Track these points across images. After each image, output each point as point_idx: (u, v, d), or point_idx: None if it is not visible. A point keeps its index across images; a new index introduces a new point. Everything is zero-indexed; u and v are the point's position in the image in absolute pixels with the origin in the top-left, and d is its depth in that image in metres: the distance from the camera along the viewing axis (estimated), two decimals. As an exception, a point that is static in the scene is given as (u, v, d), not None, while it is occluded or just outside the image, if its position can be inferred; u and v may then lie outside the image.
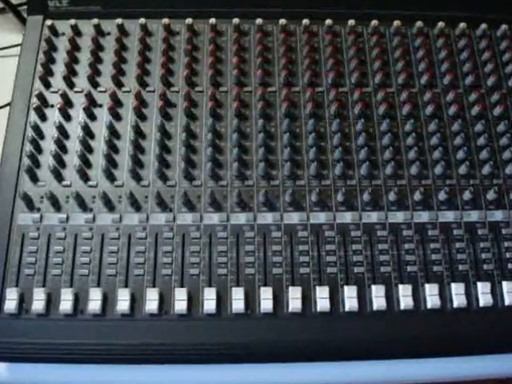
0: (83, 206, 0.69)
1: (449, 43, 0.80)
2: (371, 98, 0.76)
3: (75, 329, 0.63)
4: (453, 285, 0.65)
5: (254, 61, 0.78)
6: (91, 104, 0.74)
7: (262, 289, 0.65)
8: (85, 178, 0.70)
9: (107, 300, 0.64)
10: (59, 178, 0.70)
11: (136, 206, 0.69)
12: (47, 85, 0.76)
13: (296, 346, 0.64)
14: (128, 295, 0.64)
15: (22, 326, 0.63)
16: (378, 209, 0.70)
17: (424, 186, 0.71)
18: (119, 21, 0.79)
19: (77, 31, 0.79)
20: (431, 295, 0.65)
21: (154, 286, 0.65)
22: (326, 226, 0.68)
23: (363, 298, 0.65)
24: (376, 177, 0.71)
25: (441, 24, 0.80)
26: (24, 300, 0.64)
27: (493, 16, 0.82)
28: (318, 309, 0.64)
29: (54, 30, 0.79)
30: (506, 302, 0.65)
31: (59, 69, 0.77)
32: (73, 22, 0.79)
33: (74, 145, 0.72)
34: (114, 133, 0.73)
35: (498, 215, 0.70)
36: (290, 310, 0.64)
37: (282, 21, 0.79)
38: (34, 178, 0.70)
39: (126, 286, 0.65)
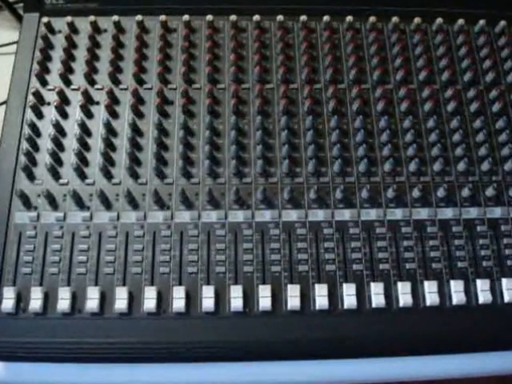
0: (80, 204, 0.68)
1: (447, 39, 0.79)
2: (369, 95, 0.76)
3: (73, 328, 0.63)
4: (452, 282, 0.65)
5: (251, 58, 0.78)
6: (88, 101, 0.74)
7: (261, 287, 0.65)
8: (82, 176, 0.70)
9: (105, 299, 0.64)
10: (56, 176, 0.70)
11: (133, 204, 0.69)
12: (44, 82, 0.76)
13: (295, 343, 0.63)
14: (126, 294, 0.64)
15: (20, 326, 0.63)
16: (376, 206, 0.69)
17: (423, 182, 0.71)
18: (116, 18, 0.79)
19: (73, 28, 0.79)
20: (430, 292, 0.65)
21: (152, 285, 0.65)
22: (324, 224, 0.68)
23: (362, 295, 0.65)
24: (374, 174, 0.71)
25: (439, 20, 0.80)
26: (21, 299, 0.64)
27: (491, 12, 0.81)
28: (317, 307, 0.64)
29: (50, 28, 0.79)
30: (506, 299, 0.65)
31: (56, 66, 0.76)
32: (69, 19, 0.78)
33: (70, 143, 0.72)
34: (110, 130, 0.73)
35: (497, 212, 0.69)
36: (288, 308, 0.64)
37: (280, 17, 0.79)
38: (31, 176, 0.70)
39: (124, 285, 0.65)
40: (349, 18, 0.79)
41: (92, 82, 0.76)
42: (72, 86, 0.75)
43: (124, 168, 0.70)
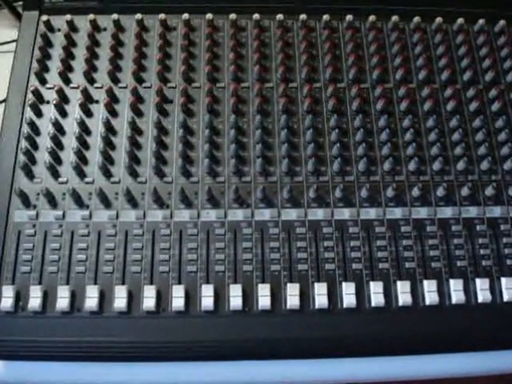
0: (79, 202, 0.68)
1: (446, 39, 0.79)
2: (369, 94, 0.76)
3: (72, 326, 0.63)
4: (451, 281, 0.65)
5: (251, 56, 0.78)
6: (87, 100, 0.74)
7: (260, 286, 0.64)
8: (81, 174, 0.70)
9: (104, 297, 0.64)
10: (55, 174, 0.70)
11: (133, 202, 0.69)
12: (43, 81, 0.75)
13: (294, 342, 0.64)
14: (125, 292, 0.63)
15: (19, 324, 0.63)
16: (376, 205, 0.69)
17: (422, 182, 0.70)
18: (115, 16, 0.79)
19: (73, 27, 0.79)
20: (430, 291, 0.65)
21: (151, 283, 0.65)
22: (324, 223, 0.68)
23: (361, 294, 0.65)
24: (374, 173, 0.71)
25: (438, 19, 0.80)
26: (20, 298, 0.64)
27: (491, 11, 0.81)
28: (316, 306, 0.64)
29: (49, 26, 0.79)
30: (505, 298, 0.65)
31: (55, 64, 0.76)
32: (69, 17, 0.78)
33: (70, 141, 0.72)
34: (110, 129, 0.72)
35: (496, 211, 0.69)
36: (288, 306, 0.64)
37: (280, 16, 0.79)
38: (30, 175, 0.70)
39: (123, 284, 0.65)
40: (348, 17, 0.79)
41: (91, 81, 0.76)
42: (71, 85, 0.75)
43: (123, 167, 0.70)
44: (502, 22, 0.80)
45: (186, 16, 0.79)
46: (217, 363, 0.65)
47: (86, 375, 0.65)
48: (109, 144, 0.72)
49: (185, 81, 0.76)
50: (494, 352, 0.66)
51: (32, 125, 0.72)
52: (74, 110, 0.74)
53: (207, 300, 0.64)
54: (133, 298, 0.64)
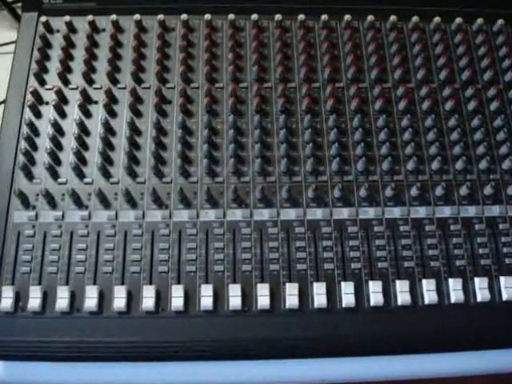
0: (79, 203, 0.68)
1: (445, 38, 0.79)
2: (367, 94, 0.76)
3: (71, 327, 0.63)
4: (450, 280, 0.65)
5: (249, 57, 0.78)
6: (86, 101, 0.74)
7: (259, 285, 0.65)
8: (80, 175, 0.70)
9: (104, 298, 0.64)
10: (55, 175, 0.70)
11: (132, 203, 0.69)
12: (42, 82, 0.76)
13: (293, 342, 0.64)
14: (125, 293, 0.64)
15: (18, 325, 0.63)
16: (374, 204, 0.69)
17: (421, 181, 0.71)
18: (114, 17, 0.79)
19: (71, 28, 0.79)
20: (428, 291, 0.65)
21: (150, 284, 0.65)
22: (322, 222, 0.68)
23: (360, 293, 0.65)
24: (373, 172, 0.71)
25: (437, 19, 0.80)
26: (20, 298, 0.64)
27: (489, 11, 0.81)
28: (315, 305, 0.64)
29: (48, 27, 0.79)
30: (504, 297, 0.65)
31: (54, 66, 0.76)
32: (67, 18, 0.78)
33: (69, 142, 0.72)
34: (109, 130, 0.73)
35: (495, 210, 0.69)
36: (287, 306, 0.64)
37: (278, 16, 0.79)
38: (30, 176, 0.70)
39: (123, 284, 0.65)
40: (347, 17, 0.79)
41: (90, 82, 0.76)
42: (70, 86, 0.75)
43: (122, 167, 0.70)
44: (500, 22, 0.80)
45: (184, 17, 0.79)
46: (216, 363, 0.65)
47: (86, 375, 0.65)
48: (108, 145, 0.72)
49: (183, 81, 0.76)
50: (493, 351, 0.66)
51: (31, 126, 0.72)
52: (73, 110, 0.74)
53: (206, 300, 0.64)
54: (132, 298, 0.64)
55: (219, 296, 0.65)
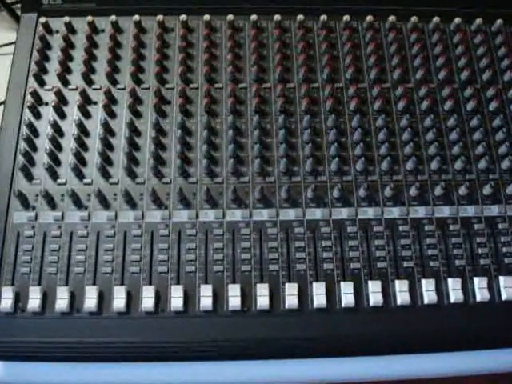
0: (78, 203, 0.68)
1: (444, 38, 0.80)
2: (367, 94, 0.76)
3: (71, 327, 0.63)
4: (449, 280, 0.65)
5: (248, 57, 0.78)
6: (86, 102, 0.74)
7: (259, 285, 0.65)
8: (80, 175, 0.70)
9: (103, 298, 0.64)
10: (54, 175, 0.70)
11: (131, 203, 0.69)
12: (41, 82, 0.76)
13: (292, 342, 0.64)
14: (124, 293, 0.64)
15: (18, 325, 0.63)
16: (374, 204, 0.69)
17: (420, 181, 0.71)
18: (113, 18, 0.79)
19: (71, 28, 0.79)
20: (428, 290, 0.65)
21: (150, 284, 0.65)
22: (322, 222, 0.68)
23: (360, 293, 0.65)
24: (372, 172, 0.71)
25: (436, 19, 0.80)
26: (20, 299, 0.64)
27: (488, 11, 0.82)
28: (315, 305, 0.64)
29: (47, 28, 0.79)
30: (503, 297, 0.65)
31: (53, 66, 0.76)
32: (67, 19, 0.79)
33: (68, 143, 0.72)
34: (108, 130, 0.73)
35: (494, 210, 0.70)
36: (286, 306, 0.64)
37: (277, 17, 0.79)
38: (29, 176, 0.70)
39: (122, 284, 0.65)
40: (346, 17, 0.80)
41: (90, 82, 0.76)
42: (70, 86, 0.76)
43: (122, 168, 0.70)
44: (499, 22, 0.80)
45: (183, 17, 0.79)
46: (216, 363, 0.65)
47: (86, 375, 0.65)
48: (107, 145, 0.72)
49: (183, 82, 0.76)
50: (493, 351, 0.66)
51: (31, 126, 0.72)
52: (73, 111, 0.74)
53: (206, 300, 0.64)
54: (132, 298, 0.64)
55: (219, 296, 0.65)
